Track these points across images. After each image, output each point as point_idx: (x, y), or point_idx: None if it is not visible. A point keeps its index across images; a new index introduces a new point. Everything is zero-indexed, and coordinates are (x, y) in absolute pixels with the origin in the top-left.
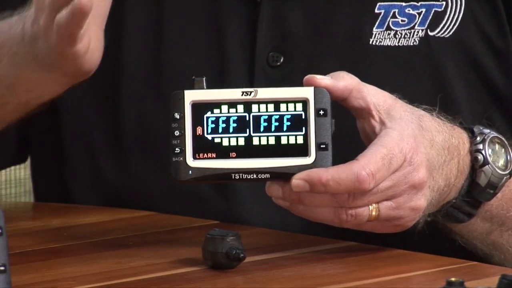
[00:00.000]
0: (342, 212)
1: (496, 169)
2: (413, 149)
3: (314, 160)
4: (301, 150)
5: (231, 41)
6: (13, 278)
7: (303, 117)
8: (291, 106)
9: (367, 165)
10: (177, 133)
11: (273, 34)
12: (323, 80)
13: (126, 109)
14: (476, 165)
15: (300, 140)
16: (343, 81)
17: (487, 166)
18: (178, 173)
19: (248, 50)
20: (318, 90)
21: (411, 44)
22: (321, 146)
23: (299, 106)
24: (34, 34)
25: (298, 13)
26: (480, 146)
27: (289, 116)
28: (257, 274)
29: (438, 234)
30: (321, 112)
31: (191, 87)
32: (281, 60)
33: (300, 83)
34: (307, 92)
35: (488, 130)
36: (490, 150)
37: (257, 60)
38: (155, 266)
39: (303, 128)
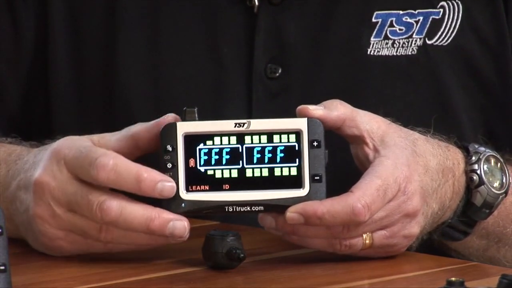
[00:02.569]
0: (336, 242)
1: (492, 188)
2: (407, 178)
3: (308, 192)
4: (295, 181)
5: (228, 53)
6: (13, 278)
7: (297, 148)
8: (284, 137)
9: (362, 197)
10: (169, 165)
11: (271, 45)
12: (316, 111)
13: (121, 124)
14: (471, 186)
15: (293, 171)
16: (336, 111)
17: (482, 186)
18: (170, 205)
19: (245, 62)
20: (311, 121)
21: (409, 53)
22: (315, 177)
23: (293, 138)
24: (25, 218)
25: (295, 24)
26: (475, 166)
27: (282, 148)
28: (257, 274)
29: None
30: (315, 144)
31: (183, 118)
32: (279, 71)
33: (299, 95)
34: (300, 124)
35: (484, 148)
36: (485, 170)
37: (255, 72)
38: (155, 266)
39: (297, 160)
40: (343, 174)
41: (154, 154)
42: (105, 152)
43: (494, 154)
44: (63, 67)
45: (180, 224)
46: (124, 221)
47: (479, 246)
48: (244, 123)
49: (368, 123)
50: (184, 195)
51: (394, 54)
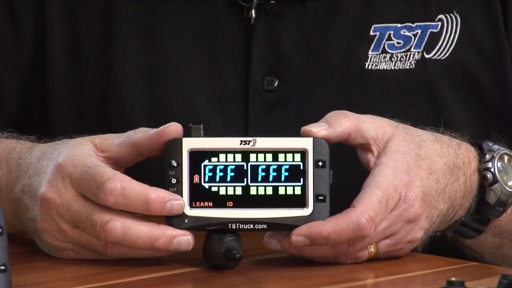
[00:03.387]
0: (342, 257)
1: (506, 187)
2: (407, 185)
3: (312, 212)
4: (298, 201)
5: (225, 64)
6: (13, 278)
7: (302, 168)
8: (289, 156)
9: (365, 211)
10: (174, 180)
11: (268, 57)
12: (320, 132)
13: (117, 129)
14: (485, 184)
15: (298, 191)
16: (340, 127)
17: (496, 184)
18: (174, 221)
19: (242, 73)
20: (317, 141)
21: (407, 67)
22: (319, 197)
23: (298, 157)
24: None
25: (292, 35)
26: (489, 164)
27: (287, 167)
28: (256, 274)
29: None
30: (320, 164)
31: (188, 134)
32: (276, 83)
33: (296, 107)
34: (306, 143)
35: (497, 146)
36: (499, 168)
37: (252, 84)
38: (155, 266)
39: (301, 179)
40: (345, 194)
41: (157, 158)
42: (111, 175)
43: (508, 152)
44: (60, 72)
45: (184, 240)
46: (129, 242)
47: (492, 244)
48: (249, 141)
49: (374, 130)
50: (188, 211)
51: (392, 68)
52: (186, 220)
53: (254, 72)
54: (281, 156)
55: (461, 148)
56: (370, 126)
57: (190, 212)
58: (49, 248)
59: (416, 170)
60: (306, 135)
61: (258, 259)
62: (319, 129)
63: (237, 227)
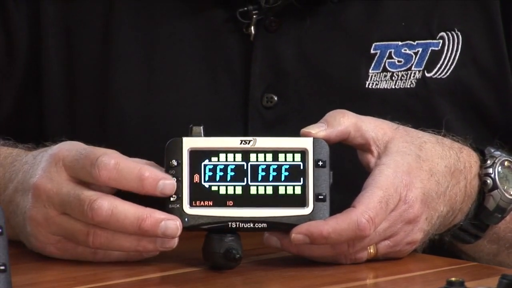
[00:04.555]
0: (341, 257)
1: (505, 193)
2: (407, 186)
3: (312, 211)
4: (298, 200)
5: (224, 80)
6: (13, 278)
7: (302, 167)
8: (289, 156)
9: (365, 211)
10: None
11: (267, 73)
12: (319, 133)
13: (114, 143)
14: (485, 189)
15: (298, 190)
16: (339, 126)
17: (496, 190)
18: None
19: (241, 90)
20: (317, 141)
21: (408, 86)
22: (319, 197)
23: (298, 157)
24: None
25: (292, 52)
26: (490, 170)
27: (287, 166)
28: (256, 274)
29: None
30: (320, 163)
31: (188, 134)
32: (275, 100)
33: (295, 125)
34: (306, 143)
35: (499, 153)
36: (500, 174)
37: (251, 101)
38: (155, 266)
39: (301, 179)
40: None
41: (157, 158)
42: (106, 151)
43: (509, 159)
44: (56, 82)
45: (172, 224)
46: (115, 221)
47: (489, 251)
48: (250, 141)
49: (374, 131)
50: (188, 209)
51: (393, 87)
52: (186, 219)
53: (253, 89)
54: (281, 156)
55: (463, 152)
56: (370, 127)
57: (190, 210)
58: (33, 244)
59: (417, 171)
60: (306, 136)
61: (258, 259)
62: (318, 130)
63: (237, 226)
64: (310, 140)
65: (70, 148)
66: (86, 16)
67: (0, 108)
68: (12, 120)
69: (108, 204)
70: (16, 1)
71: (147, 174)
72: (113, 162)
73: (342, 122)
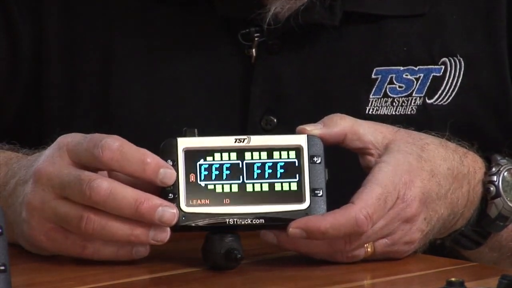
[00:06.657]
0: (338, 255)
1: (508, 202)
2: (406, 184)
3: (309, 206)
4: (295, 196)
5: (223, 101)
6: (13, 278)
7: (297, 164)
8: (284, 153)
9: (364, 208)
10: None
11: (267, 96)
12: (314, 131)
13: None
14: (488, 196)
15: (294, 186)
16: (336, 127)
17: (498, 198)
18: None
19: (241, 112)
20: (311, 138)
21: (409, 112)
22: (316, 192)
23: (292, 154)
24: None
25: (293, 74)
26: (494, 178)
27: (282, 164)
28: (256, 274)
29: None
30: (315, 159)
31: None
32: (275, 122)
33: None
34: (300, 140)
35: (505, 161)
36: (504, 182)
37: (250, 123)
38: (155, 266)
39: (297, 175)
40: (342, 191)
41: None
42: (110, 135)
43: None
44: (57, 93)
45: (169, 210)
46: (113, 201)
47: (490, 258)
48: (244, 139)
49: (372, 134)
50: (185, 208)
51: (393, 113)
52: (184, 217)
53: (253, 111)
54: (276, 154)
55: (468, 157)
56: (368, 130)
57: (187, 209)
58: (25, 231)
59: (418, 170)
60: (301, 133)
61: (258, 259)
62: (313, 128)
63: (235, 222)
64: (304, 137)
65: (76, 134)
66: (88, 31)
67: (2, 117)
68: (13, 131)
69: (107, 184)
70: (22, 14)
71: (150, 159)
72: (117, 144)
73: (339, 124)
